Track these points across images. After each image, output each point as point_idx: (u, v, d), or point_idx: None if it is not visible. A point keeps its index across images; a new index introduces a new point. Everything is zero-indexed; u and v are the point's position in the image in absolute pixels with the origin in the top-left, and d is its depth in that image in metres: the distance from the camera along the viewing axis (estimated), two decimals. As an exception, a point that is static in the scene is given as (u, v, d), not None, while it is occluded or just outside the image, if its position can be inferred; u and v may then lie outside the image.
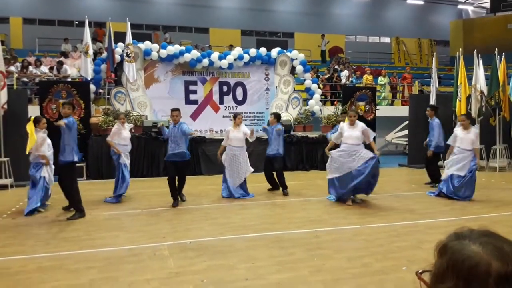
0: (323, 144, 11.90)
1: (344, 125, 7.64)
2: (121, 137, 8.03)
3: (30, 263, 4.60)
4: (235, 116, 8.40)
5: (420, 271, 0.99)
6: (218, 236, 5.58)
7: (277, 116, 8.81)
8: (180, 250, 5.01)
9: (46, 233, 5.83)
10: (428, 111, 9.83)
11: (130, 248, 5.07)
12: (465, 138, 7.80)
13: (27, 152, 8.08)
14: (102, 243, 5.31)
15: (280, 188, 8.67)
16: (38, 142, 6.98)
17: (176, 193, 7.57)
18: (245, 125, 8.61)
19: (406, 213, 6.87)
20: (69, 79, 13.37)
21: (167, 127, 7.94)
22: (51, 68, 14.44)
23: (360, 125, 7.53)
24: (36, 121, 7.04)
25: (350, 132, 7.45)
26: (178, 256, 4.79)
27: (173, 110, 7.78)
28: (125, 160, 8.01)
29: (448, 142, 8.14)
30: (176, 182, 7.60)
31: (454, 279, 0.87)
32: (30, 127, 6.90)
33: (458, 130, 7.95)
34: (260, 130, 12.98)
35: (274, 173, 8.74)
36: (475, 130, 7.93)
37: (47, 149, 7.20)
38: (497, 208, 7.25)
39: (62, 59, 15.03)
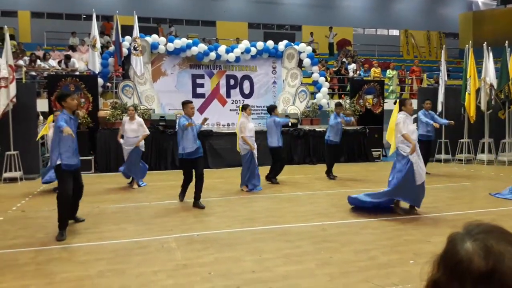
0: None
1: (405, 117, 6.20)
2: (124, 129, 8.53)
3: (40, 255, 4.66)
4: (246, 107, 8.27)
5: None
6: (226, 229, 5.60)
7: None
8: (188, 242, 5.04)
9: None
10: (429, 104, 9.88)
11: (138, 241, 5.11)
12: None
13: (36, 139, 8.98)
14: (110, 236, 5.35)
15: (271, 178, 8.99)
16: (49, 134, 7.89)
17: (186, 189, 7.24)
18: (252, 118, 8.62)
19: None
20: (77, 73, 13.43)
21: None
22: (59, 62, 14.51)
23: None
24: (55, 114, 7.87)
25: (414, 127, 6.24)
26: (186, 248, 4.82)
27: (190, 102, 7.12)
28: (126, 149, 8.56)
29: None
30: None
31: (441, 270, 0.90)
32: (50, 118, 7.96)
33: None
34: (263, 124, 12.97)
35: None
36: None
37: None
38: (505, 202, 7.20)
39: (70, 52, 15.10)
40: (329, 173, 9.54)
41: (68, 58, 14.19)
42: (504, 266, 0.83)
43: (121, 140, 8.53)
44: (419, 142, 9.72)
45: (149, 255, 4.61)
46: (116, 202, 7.30)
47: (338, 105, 9.79)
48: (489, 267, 0.83)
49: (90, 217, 6.26)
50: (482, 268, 0.83)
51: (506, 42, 11.78)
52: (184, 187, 7.27)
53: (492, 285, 0.82)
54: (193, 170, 6.98)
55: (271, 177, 8.93)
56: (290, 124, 9.70)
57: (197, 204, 6.88)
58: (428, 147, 9.86)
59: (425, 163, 9.65)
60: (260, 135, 10.03)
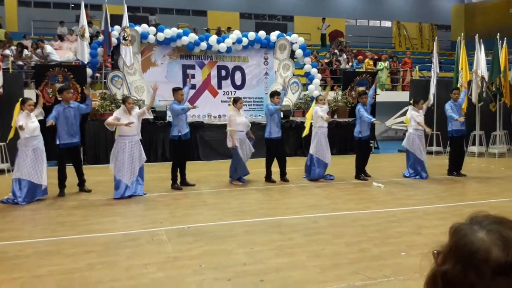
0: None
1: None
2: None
3: (27, 247, 4.58)
4: (237, 100, 8.13)
5: (436, 251, 0.96)
6: (217, 221, 5.56)
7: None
8: (178, 235, 4.99)
9: (44, 218, 5.81)
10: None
11: (128, 233, 5.05)
12: None
13: (7, 141, 7.60)
14: (99, 228, 5.29)
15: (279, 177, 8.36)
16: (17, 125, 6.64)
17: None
18: (244, 110, 8.52)
19: (405, 199, 6.85)
20: (57, 58, 13.20)
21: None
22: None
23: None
24: (22, 102, 6.69)
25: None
26: (176, 241, 4.77)
27: (180, 89, 7.99)
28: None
29: None
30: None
31: (453, 262, 0.85)
32: (16, 109, 6.63)
33: None
34: (259, 115, 12.90)
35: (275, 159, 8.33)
36: None
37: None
38: (496, 194, 7.24)
39: (58, 42, 14.82)
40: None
41: (40, 43, 13.71)
42: None
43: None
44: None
45: (139, 248, 4.55)
46: (106, 194, 7.20)
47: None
48: (509, 258, 0.79)
49: (79, 209, 6.18)
50: (500, 259, 0.80)
51: (498, 34, 11.80)
52: (176, 174, 7.58)
53: (508, 276, 0.79)
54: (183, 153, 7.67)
55: (284, 176, 8.32)
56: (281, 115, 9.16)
57: (187, 182, 7.72)
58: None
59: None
60: (253, 127, 9.94)
